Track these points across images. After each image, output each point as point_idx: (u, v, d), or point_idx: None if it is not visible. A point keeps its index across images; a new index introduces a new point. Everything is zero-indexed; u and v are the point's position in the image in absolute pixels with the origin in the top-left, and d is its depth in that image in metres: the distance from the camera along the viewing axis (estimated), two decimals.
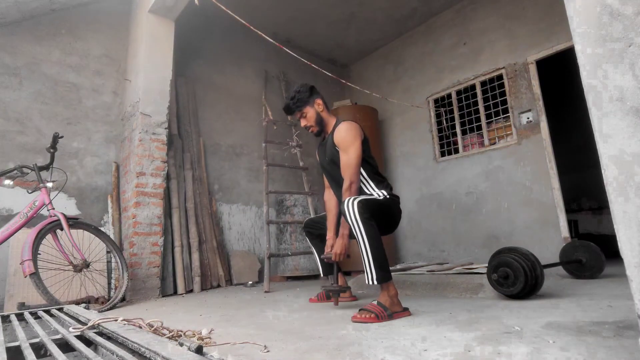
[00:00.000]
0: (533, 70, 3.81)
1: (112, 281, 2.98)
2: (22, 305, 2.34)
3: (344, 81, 4.08)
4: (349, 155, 1.96)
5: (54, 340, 0.93)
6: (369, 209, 1.74)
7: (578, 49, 0.85)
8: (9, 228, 2.31)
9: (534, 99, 3.77)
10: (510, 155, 3.91)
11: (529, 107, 3.81)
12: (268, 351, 1.19)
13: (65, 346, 0.92)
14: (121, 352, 0.79)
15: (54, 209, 2.41)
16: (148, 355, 0.74)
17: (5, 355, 0.86)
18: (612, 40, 0.79)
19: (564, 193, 3.56)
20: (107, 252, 2.82)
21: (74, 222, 2.44)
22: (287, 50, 3.10)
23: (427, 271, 2.68)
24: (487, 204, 4.05)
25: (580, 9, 0.84)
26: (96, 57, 3.50)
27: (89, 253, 2.54)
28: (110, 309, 2.43)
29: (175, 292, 3.22)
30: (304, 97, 2.12)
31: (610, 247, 2.51)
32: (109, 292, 2.90)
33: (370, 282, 1.69)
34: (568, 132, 6.04)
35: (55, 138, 2.48)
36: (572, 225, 4.53)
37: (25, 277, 2.12)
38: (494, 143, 4.10)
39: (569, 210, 4.14)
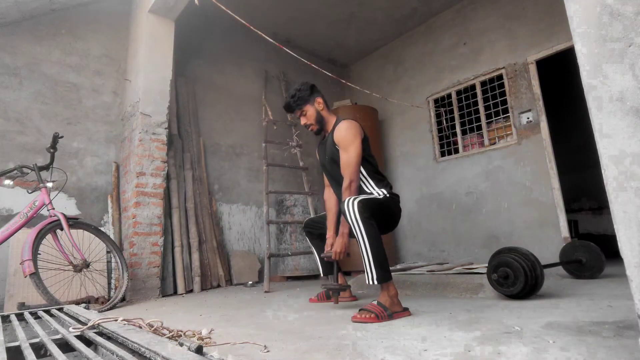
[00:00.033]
0: (533, 70, 3.81)
1: (112, 281, 2.98)
2: (22, 305, 2.34)
3: (344, 81, 4.08)
4: (349, 153, 1.96)
5: (54, 340, 0.93)
6: (369, 208, 1.74)
7: (578, 49, 0.85)
8: (9, 228, 2.31)
9: (534, 99, 3.77)
10: (510, 155, 3.91)
11: (529, 107, 3.81)
12: (268, 351, 1.19)
13: (65, 346, 0.92)
14: (121, 352, 0.79)
15: (54, 209, 2.41)
16: (148, 355, 0.74)
17: (5, 355, 0.86)
18: (612, 40, 0.79)
19: (564, 193, 3.56)
20: (107, 252, 2.82)
21: (74, 222, 2.44)
22: (287, 50, 3.10)
23: (427, 271, 2.68)
24: (487, 204, 4.05)
25: (580, 9, 0.84)
26: (96, 57, 3.50)
27: (89, 253, 2.53)
28: (110, 309, 2.43)
29: (175, 292, 3.23)
30: (304, 95, 2.12)
31: (610, 247, 2.51)
32: (109, 292, 2.90)
33: (370, 282, 1.69)
34: (568, 132, 6.04)
35: (55, 138, 2.48)
36: (572, 225, 4.53)
37: (25, 277, 2.12)
38: (494, 143, 4.09)
39: (569, 210, 4.14)
